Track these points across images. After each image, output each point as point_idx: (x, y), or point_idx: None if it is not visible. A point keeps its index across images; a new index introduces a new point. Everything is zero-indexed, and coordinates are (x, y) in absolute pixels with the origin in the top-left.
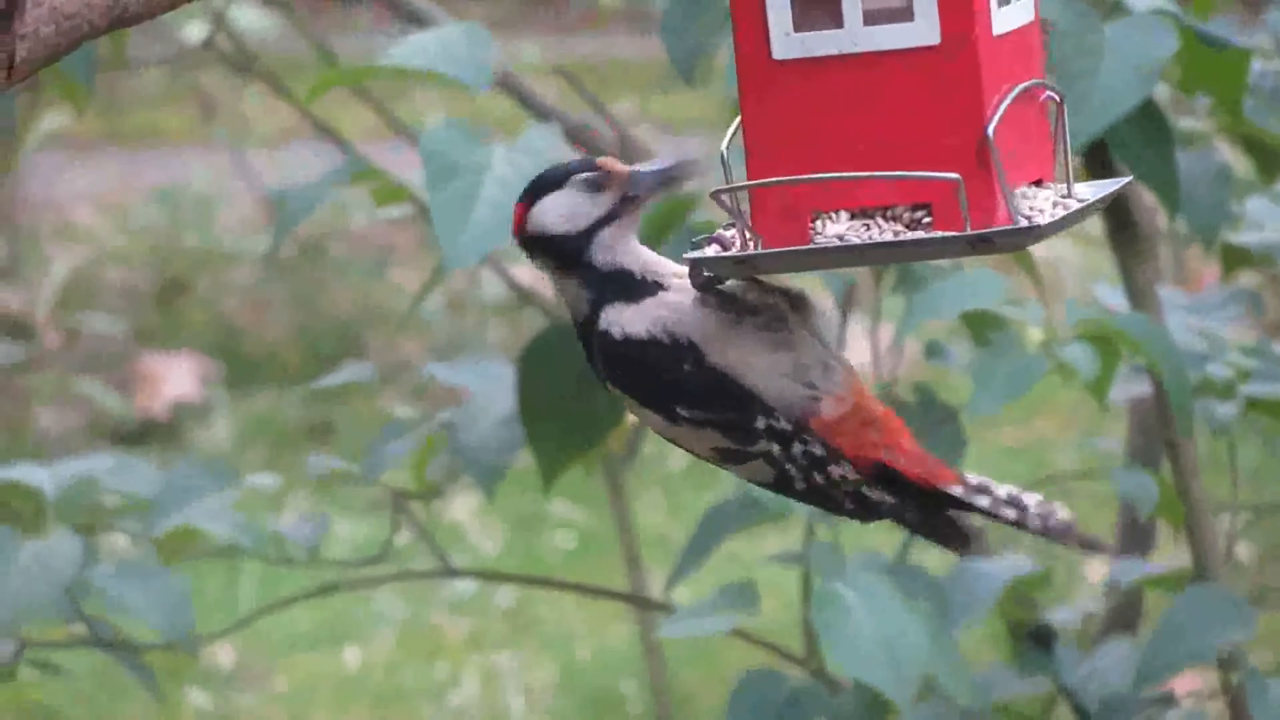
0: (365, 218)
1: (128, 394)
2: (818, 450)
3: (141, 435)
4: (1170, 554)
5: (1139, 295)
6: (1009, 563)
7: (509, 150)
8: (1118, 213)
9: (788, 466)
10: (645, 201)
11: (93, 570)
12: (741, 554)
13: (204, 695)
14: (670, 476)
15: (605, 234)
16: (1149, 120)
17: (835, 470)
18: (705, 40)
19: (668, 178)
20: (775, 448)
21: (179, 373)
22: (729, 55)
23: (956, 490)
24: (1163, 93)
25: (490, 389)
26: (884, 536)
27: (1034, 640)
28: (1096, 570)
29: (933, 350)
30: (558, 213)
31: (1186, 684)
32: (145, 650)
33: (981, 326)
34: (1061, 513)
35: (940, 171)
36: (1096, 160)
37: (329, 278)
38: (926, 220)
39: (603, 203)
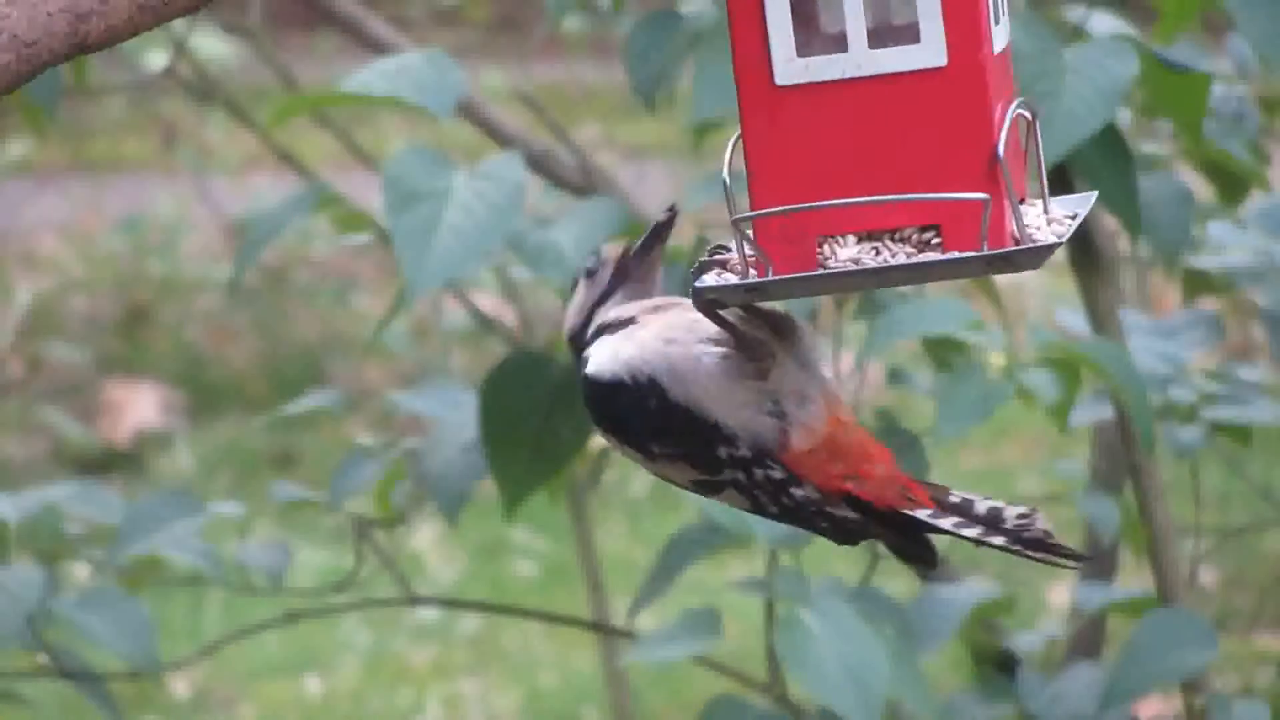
0: (328, 245)
1: (91, 423)
2: (777, 473)
3: (105, 464)
4: (1134, 578)
5: (1101, 319)
6: (973, 588)
7: (471, 177)
8: (1080, 237)
9: (756, 492)
10: (637, 269)
11: (56, 599)
12: (706, 580)
13: None
14: (633, 503)
15: (599, 310)
16: (1110, 144)
17: (798, 492)
18: (668, 67)
19: (649, 243)
20: (740, 475)
21: (142, 401)
22: (693, 82)
23: (922, 514)
24: (1124, 117)
25: (453, 416)
26: (847, 562)
27: (997, 665)
28: (1060, 595)
29: (895, 375)
30: (573, 311)
31: (1151, 708)
32: (109, 679)
33: (942, 352)
34: (1039, 524)
35: (949, 192)
36: (1058, 184)
37: (292, 305)
38: (935, 241)
39: (599, 284)
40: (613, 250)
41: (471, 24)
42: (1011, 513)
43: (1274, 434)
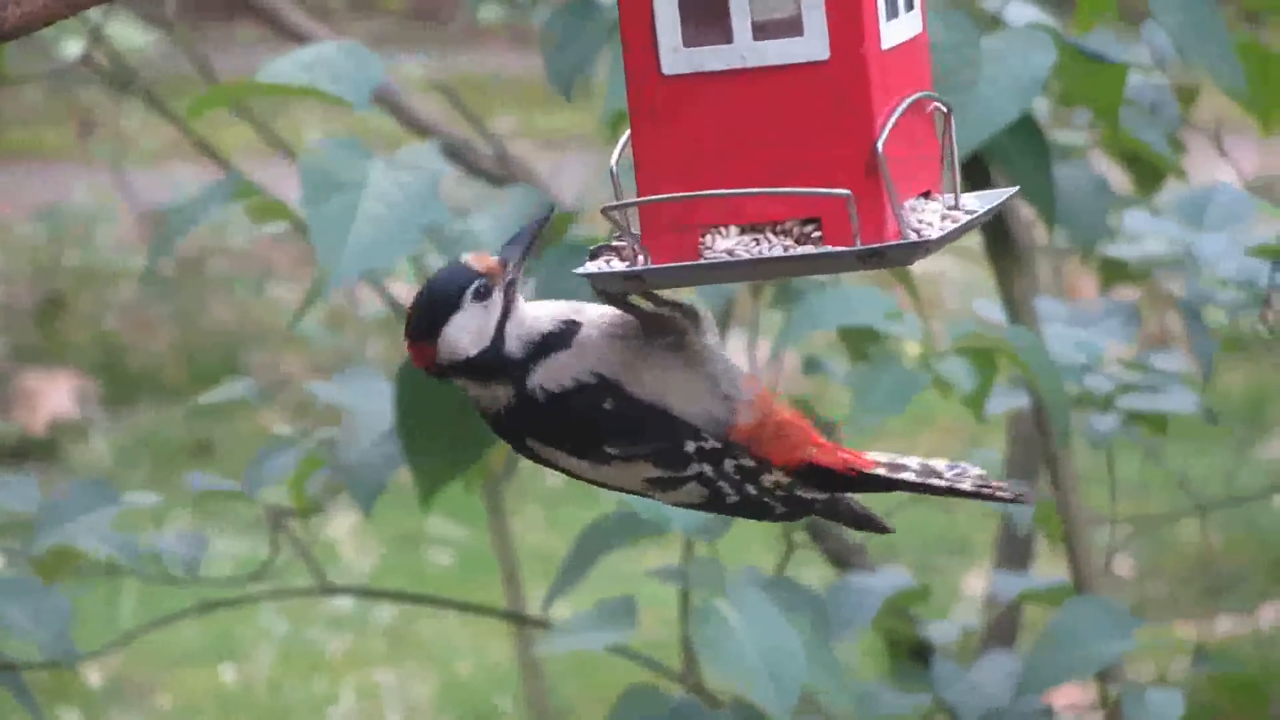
0: (244, 235)
1: (7, 412)
2: (748, 462)
3: (21, 453)
4: (1050, 567)
5: (1017, 308)
6: (888, 577)
7: (388, 166)
8: (995, 227)
9: (721, 484)
10: (521, 276)
11: None
12: (623, 570)
13: (79, 714)
14: (550, 493)
15: (508, 327)
16: (1026, 133)
17: (768, 478)
18: (585, 57)
19: (529, 246)
20: (707, 468)
21: (59, 390)
22: (610, 71)
23: (881, 472)
24: (1041, 107)
25: (370, 405)
26: (762, 551)
27: (913, 655)
28: (975, 584)
29: (811, 365)
30: (467, 335)
31: (1066, 697)
32: (24, 669)
33: (859, 341)
34: (974, 469)
35: (830, 186)
36: (974, 173)
37: (209, 295)
38: (816, 234)
39: (496, 303)
40: (482, 262)
41: (389, 13)
42: (941, 465)
43: (1190, 423)
